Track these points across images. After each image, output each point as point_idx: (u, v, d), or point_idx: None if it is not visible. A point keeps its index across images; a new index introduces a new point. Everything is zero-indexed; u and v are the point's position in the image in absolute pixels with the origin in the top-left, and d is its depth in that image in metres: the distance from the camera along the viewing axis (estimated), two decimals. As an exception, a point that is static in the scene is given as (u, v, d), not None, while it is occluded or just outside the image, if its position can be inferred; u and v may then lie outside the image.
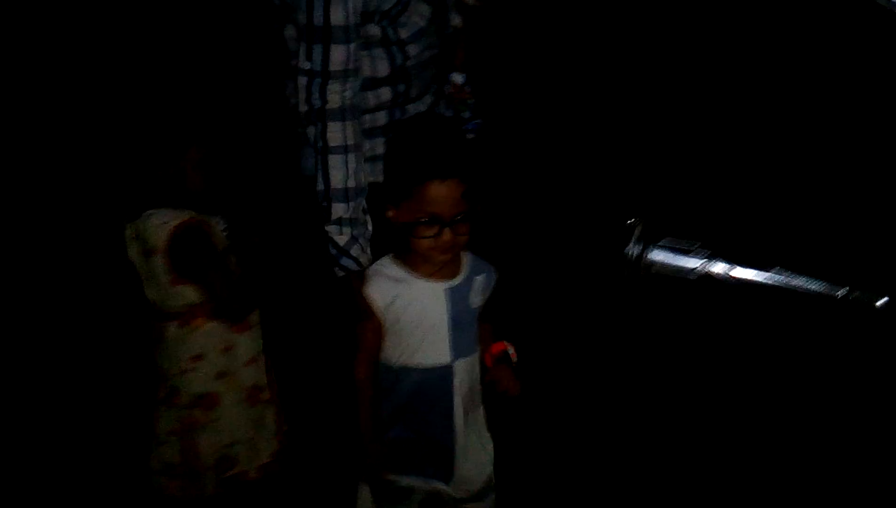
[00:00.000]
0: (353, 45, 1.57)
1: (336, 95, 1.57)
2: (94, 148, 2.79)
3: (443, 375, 1.48)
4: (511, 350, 1.57)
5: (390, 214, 1.47)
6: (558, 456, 2.16)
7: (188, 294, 1.63)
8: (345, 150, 1.60)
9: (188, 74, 2.65)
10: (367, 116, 1.68)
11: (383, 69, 1.67)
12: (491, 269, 1.57)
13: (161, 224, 1.60)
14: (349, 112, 1.59)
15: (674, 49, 3.24)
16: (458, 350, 1.49)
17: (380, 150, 1.74)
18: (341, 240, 1.63)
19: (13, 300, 2.70)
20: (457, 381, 1.49)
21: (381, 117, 1.72)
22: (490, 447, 1.60)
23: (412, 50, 1.68)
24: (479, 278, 1.53)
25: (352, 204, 1.62)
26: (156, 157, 1.61)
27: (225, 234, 1.71)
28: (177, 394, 1.67)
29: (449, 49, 1.89)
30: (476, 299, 1.52)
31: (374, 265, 1.53)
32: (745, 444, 2.18)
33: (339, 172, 1.60)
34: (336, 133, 1.59)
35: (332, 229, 1.63)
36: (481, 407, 1.58)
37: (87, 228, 2.85)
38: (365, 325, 1.50)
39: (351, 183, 1.61)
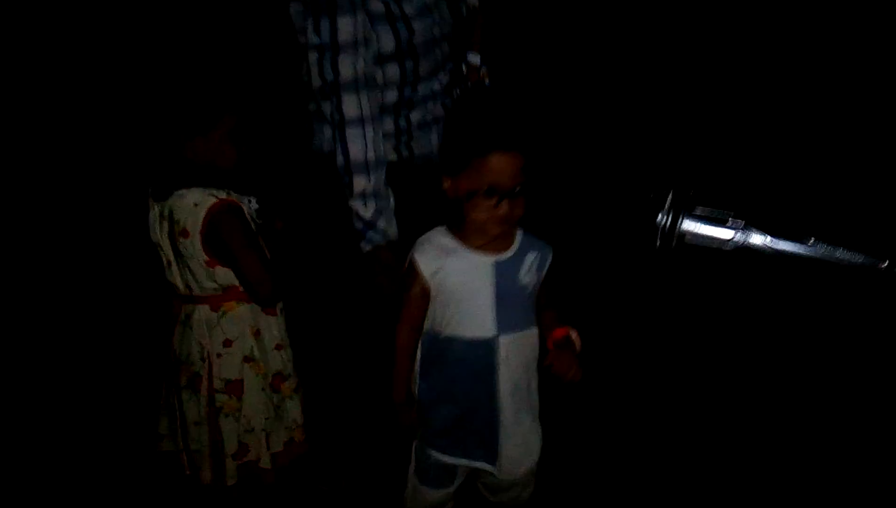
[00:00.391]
0: (360, 16, 1.55)
1: (348, 67, 1.56)
2: (118, 126, 2.78)
3: (486, 348, 1.45)
4: (573, 335, 1.51)
5: (446, 185, 1.44)
6: (595, 439, 2.14)
7: (223, 277, 1.58)
8: (361, 122, 1.59)
9: (217, 48, 2.64)
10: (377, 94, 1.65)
11: (388, 45, 1.63)
12: (546, 248, 1.53)
13: (195, 204, 1.54)
14: (363, 83, 1.58)
15: (703, 20, 3.19)
16: (502, 325, 1.45)
17: (389, 127, 1.71)
18: (367, 214, 1.60)
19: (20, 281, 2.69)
20: (501, 356, 1.45)
21: (391, 96, 1.69)
22: (538, 434, 1.55)
23: (418, 26, 1.65)
24: (531, 256, 1.50)
25: (373, 176, 1.60)
26: (188, 128, 1.55)
27: (255, 214, 1.67)
28: (200, 380, 1.62)
29: (465, 29, 1.85)
30: (527, 277, 1.49)
31: (425, 234, 1.50)
32: (785, 416, 2.16)
33: (358, 144, 1.58)
34: (352, 105, 1.58)
35: (356, 203, 1.60)
36: (536, 391, 1.54)
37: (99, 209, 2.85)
38: (409, 293, 1.47)
39: (371, 155, 1.60)
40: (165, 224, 1.58)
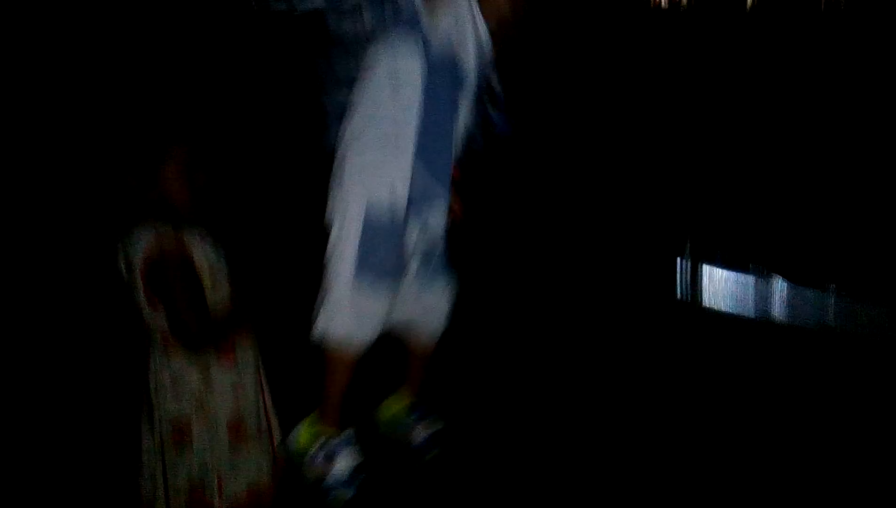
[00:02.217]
0: None
1: None
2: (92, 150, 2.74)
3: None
4: None
5: None
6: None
7: (161, 316, 1.55)
8: None
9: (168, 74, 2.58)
10: None
11: None
12: None
13: (137, 242, 1.53)
14: None
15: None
16: None
17: None
18: None
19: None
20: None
21: None
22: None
23: None
24: None
25: None
26: (132, 164, 1.52)
27: (221, 254, 1.62)
28: (154, 411, 1.60)
29: None
30: None
31: None
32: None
33: None
34: None
35: None
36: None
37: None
38: None
39: None
40: (123, 256, 1.57)
